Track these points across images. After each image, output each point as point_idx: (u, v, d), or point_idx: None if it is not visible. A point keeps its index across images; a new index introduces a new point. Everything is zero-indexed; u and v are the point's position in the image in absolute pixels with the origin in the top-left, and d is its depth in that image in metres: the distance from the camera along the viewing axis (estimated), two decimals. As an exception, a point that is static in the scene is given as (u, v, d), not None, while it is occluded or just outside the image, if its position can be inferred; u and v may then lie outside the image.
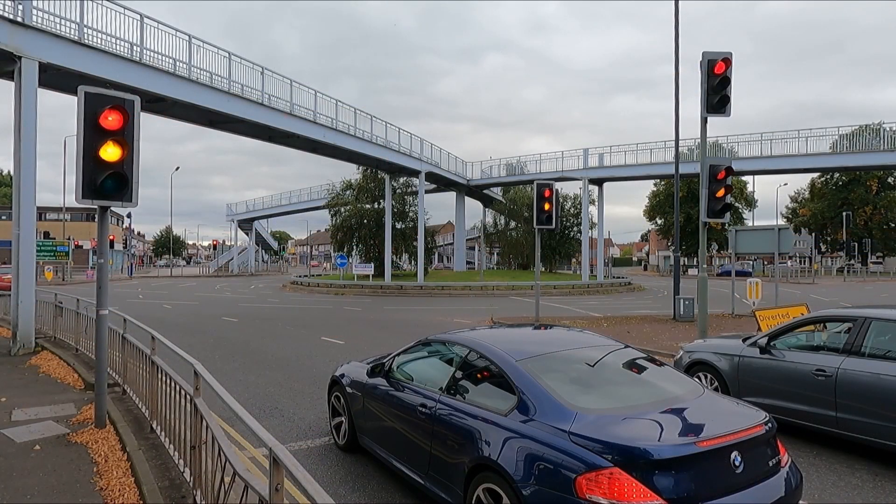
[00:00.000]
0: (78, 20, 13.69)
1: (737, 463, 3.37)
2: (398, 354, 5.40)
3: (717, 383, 7.18)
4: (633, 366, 4.50)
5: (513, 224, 56.04)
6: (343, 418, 5.87)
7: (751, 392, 6.76)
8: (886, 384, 5.41)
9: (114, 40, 14.94)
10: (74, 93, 5.69)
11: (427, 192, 39.37)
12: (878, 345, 5.76)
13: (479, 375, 4.36)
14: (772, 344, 6.74)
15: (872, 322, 5.90)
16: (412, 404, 4.60)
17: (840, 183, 66.23)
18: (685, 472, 3.19)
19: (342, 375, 6.03)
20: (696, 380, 4.67)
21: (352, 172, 42.96)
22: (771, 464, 3.63)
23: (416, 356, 5.28)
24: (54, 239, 48.20)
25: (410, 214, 42.52)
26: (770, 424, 3.75)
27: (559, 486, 3.22)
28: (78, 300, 10.71)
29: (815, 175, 66.77)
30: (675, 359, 8.26)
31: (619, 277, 44.10)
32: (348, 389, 5.77)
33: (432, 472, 4.26)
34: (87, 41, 13.82)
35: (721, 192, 11.15)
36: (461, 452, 3.92)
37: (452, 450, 4.04)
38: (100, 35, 14.41)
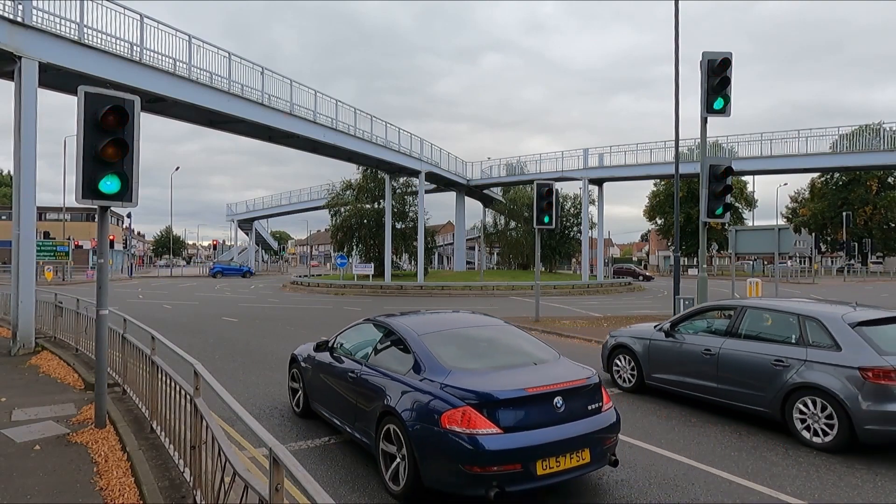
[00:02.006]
0: (78, 20, 13.69)
1: (559, 405, 4.62)
2: (339, 334, 6.69)
3: (633, 362, 8.54)
4: (508, 338, 5.88)
5: (513, 224, 55.98)
6: (299, 389, 7.11)
7: (658, 370, 8.13)
8: (751, 359, 6.82)
9: (114, 40, 14.94)
10: (74, 93, 5.69)
11: (427, 192, 39.37)
12: (750, 328, 7.16)
13: (391, 347, 5.63)
14: (675, 329, 8.04)
15: (747, 310, 7.34)
16: (345, 371, 5.92)
17: (840, 183, 66.20)
18: (517, 410, 4.49)
19: (298, 354, 7.28)
20: (554, 349, 5.74)
21: (352, 172, 43.03)
22: (590, 407, 4.83)
23: (351, 335, 6.57)
24: (54, 239, 48.18)
25: (410, 214, 42.51)
26: (592, 380, 4.93)
27: (431, 421, 4.48)
28: (78, 300, 10.71)
29: (815, 175, 66.76)
30: (602, 343, 9.51)
31: (619, 277, 44.11)
32: (302, 364, 7.04)
33: (357, 423, 5.56)
34: (87, 41, 13.82)
35: (721, 192, 11.16)
36: (374, 404, 5.21)
37: (369, 402, 5.32)
38: (100, 35, 14.41)
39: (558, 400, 4.61)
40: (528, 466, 4.34)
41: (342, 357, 6.21)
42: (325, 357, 6.49)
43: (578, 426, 4.65)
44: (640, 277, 51.19)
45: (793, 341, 6.62)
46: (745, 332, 7.14)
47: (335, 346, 6.54)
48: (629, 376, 8.61)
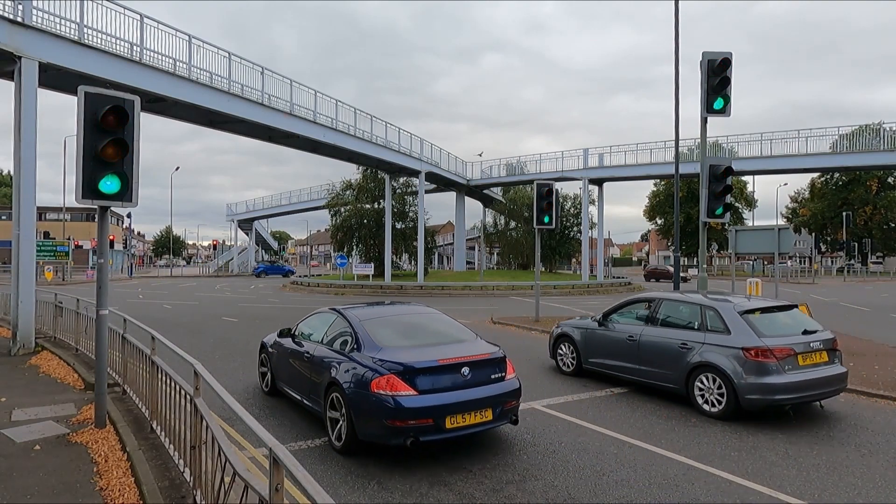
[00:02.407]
0: (78, 20, 13.68)
1: (466, 373, 5.72)
2: (299, 322, 7.79)
3: (573, 350, 9.64)
4: (436, 324, 7.05)
5: (513, 224, 55.95)
6: (267, 371, 8.21)
7: (593, 355, 9.29)
8: (664, 343, 7.99)
9: (114, 40, 14.93)
10: (74, 93, 5.69)
11: (427, 192, 39.35)
12: (664, 317, 8.35)
13: (340, 331, 6.66)
14: (606, 319, 9.22)
15: (663, 301, 8.54)
16: (302, 353, 7.01)
17: (840, 183, 66.17)
18: (430, 376, 5.57)
19: (266, 341, 8.39)
20: (476, 335, 6.73)
21: (352, 172, 43.00)
22: (494, 376, 5.94)
23: (309, 321, 7.63)
24: (54, 239, 48.18)
25: (410, 214, 42.49)
26: (496, 355, 6.05)
27: (364, 388, 5.58)
28: (78, 300, 10.71)
29: (815, 175, 66.72)
30: (550, 332, 10.61)
31: (619, 277, 44.06)
32: (269, 349, 8.12)
33: (311, 395, 6.63)
34: (87, 41, 13.81)
35: (721, 192, 11.16)
36: (323, 377, 6.27)
37: (320, 376, 6.37)
38: (100, 35, 14.40)
39: (465, 369, 5.75)
40: (438, 421, 5.44)
41: (301, 341, 7.32)
42: (287, 342, 7.59)
43: (482, 391, 5.77)
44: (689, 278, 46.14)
45: (696, 328, 7.80)
46: (661, 321, 8.35)
47: (296, 332, 7.62)
48: (570, 361, 9.74)
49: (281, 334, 7.82)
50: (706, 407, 7.30)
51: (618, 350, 8.75)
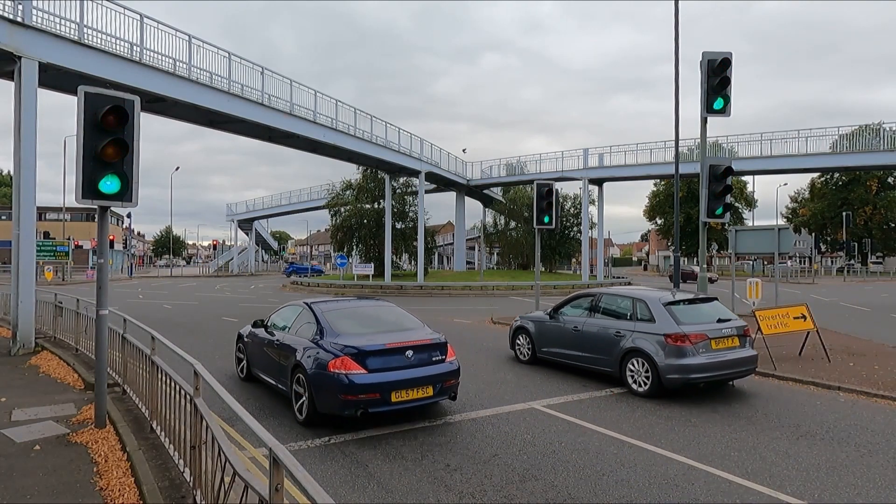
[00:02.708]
0: (78, 20, 13.67)
1: (410, 356, 6.74)
2: (271, 315, 8.66)
3: (529, 340, 10.66)
4: (389, 315, 7.97)
5: (513, 224, 55.90)
6: (243, 359, 9.18)
7: (545, 344, 10.32)
8: (602, 331, 9.06)
9: (114, 40, 14.92)
10: (74, 93, 5.69)
11: (427, 192, 39.33)
12: (604, 308, 9.41)
13: (305, 320, 7.57)
14: (557, 312, 10.26)
15: (603, 295, 9.65)
16: (273, 341, 7.95)
17: (840, 183, 66.09)
18: (379, 358, 6.57)
19: (242, 332, 9.34)
20: (426, 326, 7.66)
21: (352, 172, 42.98)
22: (435, 359, 6.95)
23: (280, 313, 8.50)
24: (54, 239, 48.17)
25: (410, 214, 42.47)
26: (437, 340, 7.08)
27: (322, 368, 6.54)
28: (78, 300, 10.71)
29: (815, 175, 66.66)
30: (510, 326, 11.64)
31: (619, 277, 44.10)
32: (245, 339, 9.07)
33: (280, 377, 7.61)
34: (87, 41, 13.81)
35: (721, 192, 11.16)
36: (290, 361, 7.21)
37: (287, 360, 7.33)
38: (100, 35, 14.39)
39: (410, 352, 6.78)
40: (384, 395, 6.44)
41: (273, 331, 8.20)
42: (261, 332, 8.47)
43: (424, 370, 6.79)
44: (715, 279, 43.32)
45: (628, 318, 8.85)
46: (601, 312, 9.41)
47: (268, 323, 8.50)
48: (527, 351, 10.71)
49: (255, 325, 8.72)
50: (635, 387, 8.34)
51: (565, 339, 9.82)
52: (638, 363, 8.34)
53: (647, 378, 8.16)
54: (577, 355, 9.51)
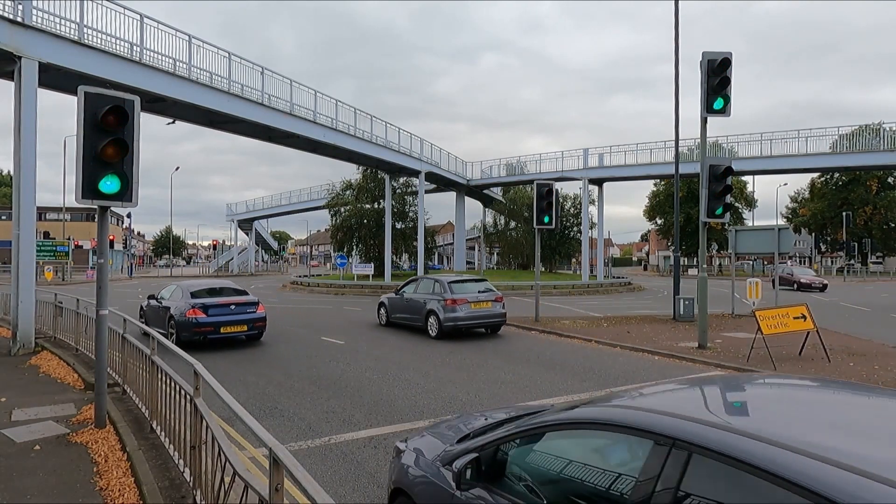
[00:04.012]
0: (78, 20, 13.68)
1: (233, 308, 12.53)
2: (161, 291, 14.25)
3: (385, 310, 16.21)
4: (228, 286, 13.58)
5: (513, 224, 55.85)
6: (143, 318, 14.29)
7: (394, 312, 15.78)
8: (418, 299, 14.68)
9: (114, 40, 14.93)
10: (74, 93, 5.69)
11: (427, 192, 39.32)
12: (421, 286, 15.08)
13: (178, 294, 12.96)
14: (400, 291, 15.83)
15: (422, 279, 15.72)
16: (159, 307, 13.66)
17: (840, 183, 66.07)
18: (214, 308, 12.28)
19: (143, 303, 15.14)
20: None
21: (352, 172, 42.99)
22: (249, 310, 12.65)
23: (164, 291, 14.21)
24: (54, 239, 48.19)
25: (410, 214, 42.47)
26: (251, 299, 12.87)
27: (183, 316, 12.13)
28: (78, 300, 10.71)
29: (815, 175, 66.64)
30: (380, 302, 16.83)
31: (619, 277, 44.06)
32: (143, 308, 14.86)
33: (161, 326, 12.86)
34: (87, 41, 13.81)
35: (721, 192, 11.15)
36: (167, 314, 12.84)
37: (165, 314, 12.91)
38: (100, 35, 14.40)
39: (233, 306, 12.43)
40: (217, 328, 12.01)
41: (160, 300, 13.62)
42: (153, 302, 14.15)
43: (241, 316, 12.38)
44: (817, 285, 33.51)
45: (431, 291, 14.41)
46: (418, 289, 15.05)
47: (158, 296, 14.03)
48: (384, 318, 16.25)
49: (150, 297, 14.31)
50: (430, 332, 13.87)
51: (401, 307, 15.47)
52: (432, 317, 13.89)
53: (437, 326, 13.68)
54: (407, 317, 15.06)
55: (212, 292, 12.78)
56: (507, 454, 2.88)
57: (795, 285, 34.09)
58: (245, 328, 12.29)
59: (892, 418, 2.30)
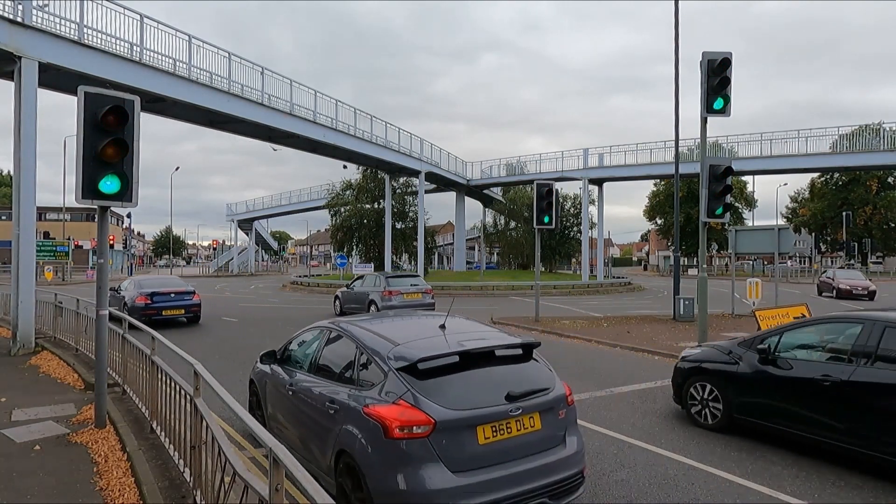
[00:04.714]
0: (78, 20, 13.68)
1: (174, 298, 16.35)
2: (121, 284, 17.31)
3: (340, 304, 19.54)
4: (173, 282, 18.29)
5: (513, 224, 55.86)
6: (122, 311, 15.08)
7: (346, 303, 19.00)
8: (361, 294, 18.36)
9: (114, 40, 14.93)
10: (74, 93, 5.69)
11: (427, 192, 39.33)
12: (366, 283, 18.81)
13: (134, 287, 16.61)
14: (351, 286, 19.50)
15: (365, 276, 19.72)
16: (119, 297, 16.68)
17: (840, 183, 66.05)
18: (160, 297, 16.10)
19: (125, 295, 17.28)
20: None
21: (351, 172, 42.98)
22: (187, 298, 16.62)
23: (123, 284, 17.53)
24: (54, 239, 48.20)
25: (410, 214, 42.45)
26: (189, 289, 16.97)
27: (133, 302, 15.70)
28: (78, 300, 10.71)
29: (815, 175, 66.63)
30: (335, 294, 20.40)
31: (619, 277, 44.04)
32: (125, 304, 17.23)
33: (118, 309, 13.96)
34: (87, 41, 13.81)
35: (721, 192, 11.15)
36: (121, 303, 16.18)
37: (120, 303, 16.17)
38: (100, 35, 14.41)
39: (173, 296, 16.24)
40: (159, 312, 15.67)
41: (119, 292, 16.69)
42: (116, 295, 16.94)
43: (181, 304, 16.27)
44: (860, 292, 26.83)
45: (374, 285, 17.90)
46: (364, 284, 18.59)
47: (118, 286, 17.17)
48: (339, 308, 19.32)
49: (111, 289, 13.36)
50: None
51: (351, 298, 18.71)
52: (371, 306, 17.13)
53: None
54: (355, 308, 17.82)
55: (155, 284, 16.78)
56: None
57: (835, 292, 27.56)
58: (183, 311, 16.16)
59: (434, 327, 4.75)
